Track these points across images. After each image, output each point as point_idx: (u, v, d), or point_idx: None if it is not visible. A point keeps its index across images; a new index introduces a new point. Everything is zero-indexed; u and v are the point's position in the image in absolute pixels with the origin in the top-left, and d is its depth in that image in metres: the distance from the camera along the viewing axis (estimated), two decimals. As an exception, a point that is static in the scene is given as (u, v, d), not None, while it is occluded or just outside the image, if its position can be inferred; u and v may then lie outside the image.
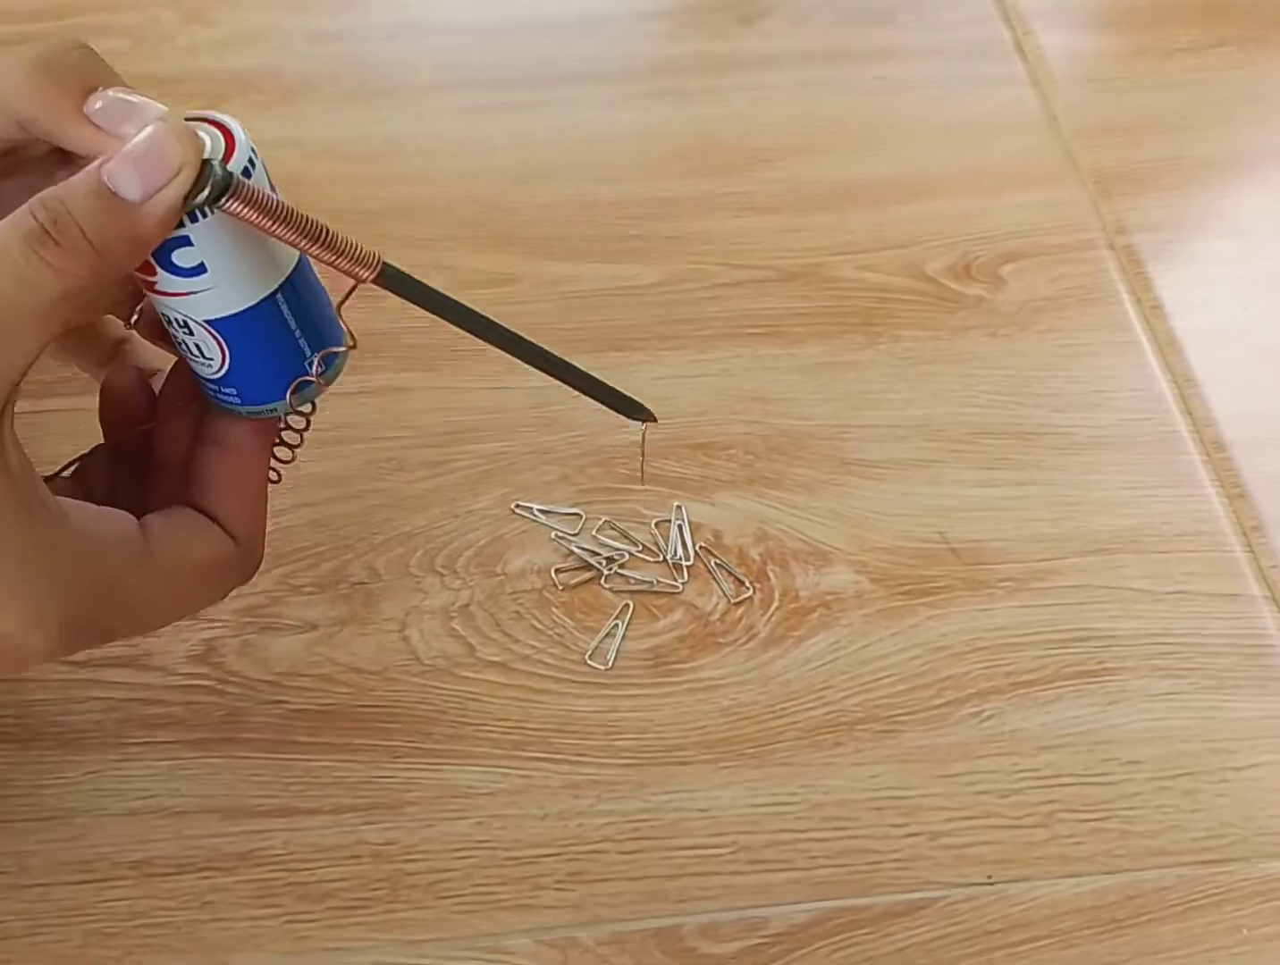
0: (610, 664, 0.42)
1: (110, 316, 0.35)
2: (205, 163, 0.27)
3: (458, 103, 0.59)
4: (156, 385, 0.35)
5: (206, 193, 0.27)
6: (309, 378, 0.32)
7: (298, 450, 0.35)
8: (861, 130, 0.59)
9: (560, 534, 0.45)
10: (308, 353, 0.32)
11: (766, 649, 0.42)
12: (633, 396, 0.37)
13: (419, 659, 0.42)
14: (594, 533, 0.45)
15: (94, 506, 0.30)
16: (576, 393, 0.37)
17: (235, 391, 0.32)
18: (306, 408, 0.33)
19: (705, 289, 0.53)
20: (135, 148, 0.27)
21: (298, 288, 0.31)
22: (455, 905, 0.37)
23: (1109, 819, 0.39)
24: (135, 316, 0.33)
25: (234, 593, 0.42)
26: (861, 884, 0.38)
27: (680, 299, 0.52)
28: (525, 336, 0.34)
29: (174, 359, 0.34)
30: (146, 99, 0.28)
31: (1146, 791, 0.40)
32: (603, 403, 0.37)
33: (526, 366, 0.48)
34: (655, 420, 0.38)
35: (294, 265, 0.31)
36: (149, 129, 0.27)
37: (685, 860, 0.38)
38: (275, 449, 0.34)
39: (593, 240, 0.55)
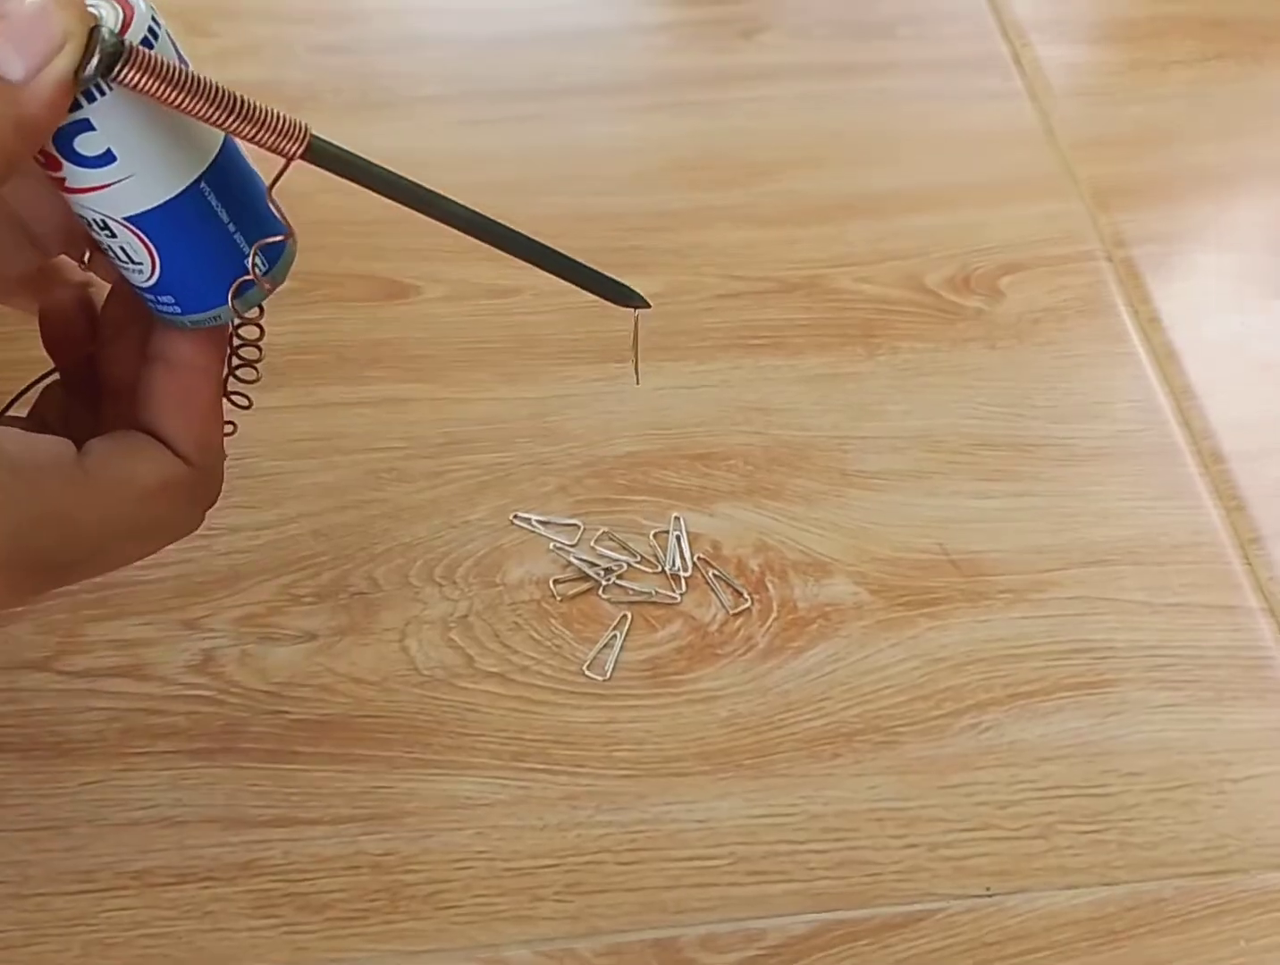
0: (609, 675, 0.42)
1: (64, 258, 0.33)
2: (93, 30, 0.25)
3: (459, 115, 0.60)
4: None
5: (95, 62, 0.24)
6: (249, 276, 0.29)
7: (260, 365, 0.33)
8: (861, 143, 0.60)
9: (558, 545, 0.45)
10: (245, 248, 0.29)
11: (765, 660, 0.42)
12: (621, 281, 0.35)
13: (418, 669, 0.42)
14: (592, 543, 0.45)
15: (20, 432, 0.28)
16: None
17: (173, 299, 0.29)
18: (253, 312, 0.30)
19: (705, 300, 0.53)
20: (14, 20, 0.24)
21: (226, 173, 0.28)
22: (454, 916, 0.37)
23: (1107, 830, 0.39)
24: (87, 255, 0.31)
25: (233, 602, 0.43)
26: (860, 895, 0.38)
27: (680, 310, 0.53)
28: (477, 211, 0.31)
29: None
30: None
31: (1145, 803, 0.40)
32: (587, 288, 0.34)
33: (524, 377, 0.48)
34: (649, 306, 0.35)
35: (219, 149, 0.28)
36: (31, 2, 0.24)
37: (683, 871, 0.38)
38: (237, 371, 0.32)
39: (592, 252, 0.53)
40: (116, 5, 0.26)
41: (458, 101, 0.60)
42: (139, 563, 0.43)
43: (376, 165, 0.29)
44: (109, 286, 0.33)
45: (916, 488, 0.47)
